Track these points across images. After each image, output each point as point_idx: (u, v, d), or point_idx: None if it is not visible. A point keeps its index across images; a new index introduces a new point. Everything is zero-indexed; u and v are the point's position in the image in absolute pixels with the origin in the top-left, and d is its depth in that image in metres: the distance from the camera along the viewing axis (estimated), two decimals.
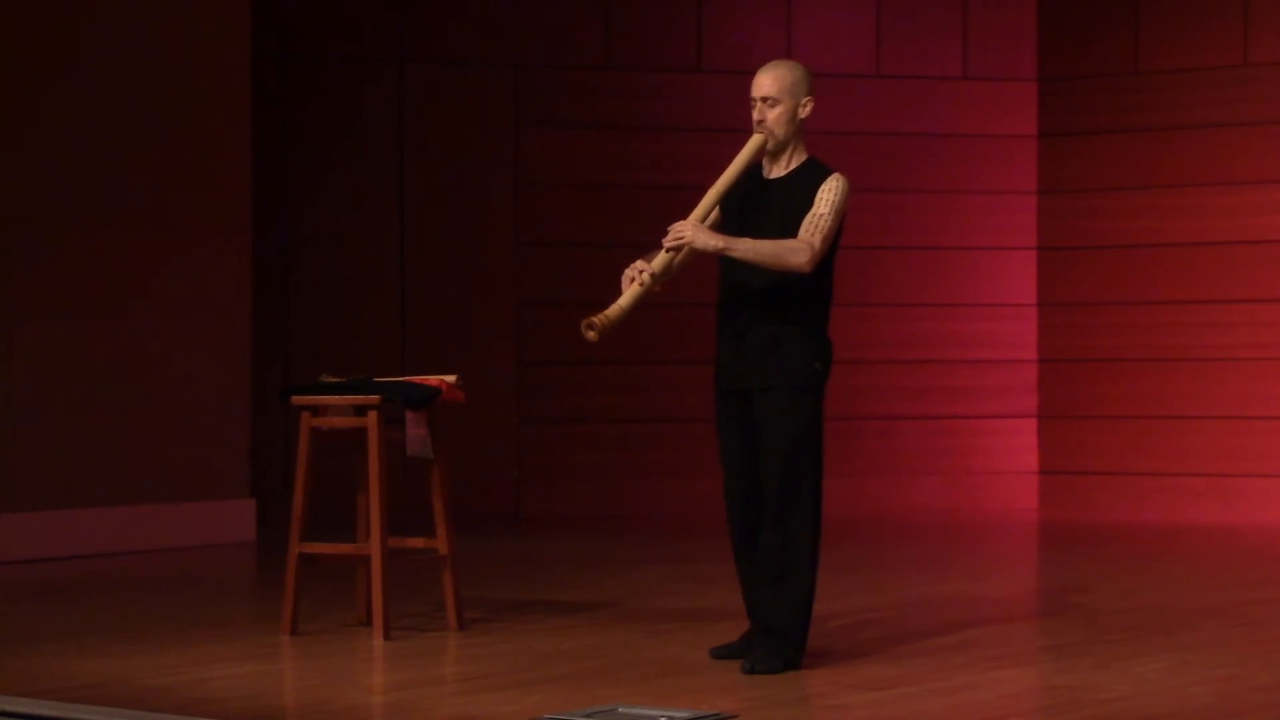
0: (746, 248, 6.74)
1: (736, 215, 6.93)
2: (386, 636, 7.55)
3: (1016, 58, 13.64)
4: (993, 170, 13.64)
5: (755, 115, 6.91)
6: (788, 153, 6.94)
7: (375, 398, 7.63)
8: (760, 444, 6.86)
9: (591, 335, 6.65)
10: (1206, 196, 13.04)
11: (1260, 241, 12.88)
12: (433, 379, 7.78)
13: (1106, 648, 7.35)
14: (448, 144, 13.00)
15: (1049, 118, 13.57)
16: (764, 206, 6.89)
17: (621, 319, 6.72)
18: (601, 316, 6.66)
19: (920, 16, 13.62)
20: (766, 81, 6.90)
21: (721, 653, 7.06)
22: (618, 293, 6.78)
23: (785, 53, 13.12)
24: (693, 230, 6.78)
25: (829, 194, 6.82)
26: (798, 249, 6.72)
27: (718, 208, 6.96)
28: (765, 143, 6.91)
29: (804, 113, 6.92)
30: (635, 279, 6.75)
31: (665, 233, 6.82)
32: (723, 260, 6.92)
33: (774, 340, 6.83)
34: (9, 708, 6.12)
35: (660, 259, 6.79)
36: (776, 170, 6.97)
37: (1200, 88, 13.06)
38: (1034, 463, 13.62)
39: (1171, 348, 13.15)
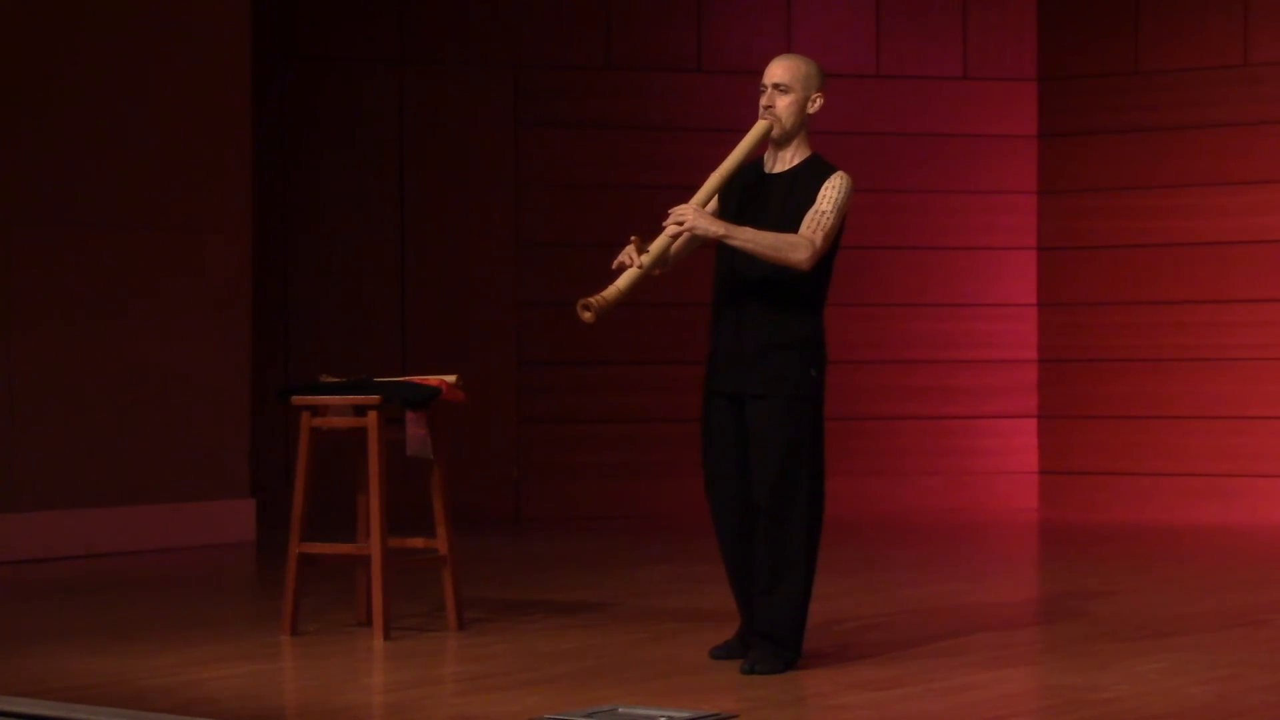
0: (747, 237, 6.65)
1: (735, 208, 6.84)
2: (386, 636, 7.54)
3: (1016, 58, 13.64)
4: (993, 170, 13.64)
5: (764, 101, 6.83)
6: (792, 147, 6.86)
7: (375, 398, 7.63)
8: (751, 451, 6.77)
9: (587, 316, 6.54)
10: (1206, 196, 13.04)
11: (1260, 241, 12.87)
12: (433, 379, 7.78)
13: (1106, 648, 7.35)
14: (448, 144, 12.99)
15: (1049, 118, 13.57)
16: (764, 200, 6.80)
17: (618, 301, 6.60)
18: (598, 298, 6.55)
19: (920, 16, 13.62)
20: (780, 69, 6.86)
21: (721, 653, 7.04)
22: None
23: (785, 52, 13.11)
24: (694, 214, 6.68)
25: (832, 191, 6.74)
26: (799, 244, 6.63)
27: (717, 197, 6.88)
28: (770, 130, 6.82)
29: (813, 108, 6.86)
30: (631, 263, 6.66)
31: (666, 218, 6.73)
32: (720, 258, 6.85)
33: (769, 345, 6.73)
34: (9, 708, 6.12)
35: (658, 242, 6.68)
36: (779, 165, 6.88)
37: (1200, 88, 13.06)
38: (1034, 463, 13.61)
39: (1171, 348, 13.14)
